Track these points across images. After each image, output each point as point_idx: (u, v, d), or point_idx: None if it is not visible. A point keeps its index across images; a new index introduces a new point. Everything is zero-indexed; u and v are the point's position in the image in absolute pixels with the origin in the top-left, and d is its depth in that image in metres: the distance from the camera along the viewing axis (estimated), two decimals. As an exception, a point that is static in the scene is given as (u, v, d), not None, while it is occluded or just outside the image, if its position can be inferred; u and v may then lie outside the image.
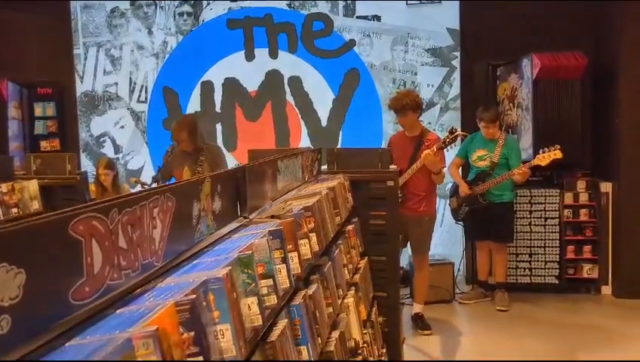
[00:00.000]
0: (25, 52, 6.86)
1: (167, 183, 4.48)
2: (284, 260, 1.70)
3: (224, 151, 5.80)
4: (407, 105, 4.65)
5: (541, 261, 5.74)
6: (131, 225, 1.15)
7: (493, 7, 6.12)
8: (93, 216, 1.01)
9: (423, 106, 4.95)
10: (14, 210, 3.55)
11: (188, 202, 1.48)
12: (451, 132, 4.64)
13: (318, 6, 6.49)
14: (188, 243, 1.48)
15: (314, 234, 2.19)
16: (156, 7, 6.75)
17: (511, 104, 6.08)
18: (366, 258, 3.34)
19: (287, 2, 6.54)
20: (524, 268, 5.77)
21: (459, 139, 4.76)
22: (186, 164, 4.80)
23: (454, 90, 6.32)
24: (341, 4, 6.45)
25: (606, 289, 5.64)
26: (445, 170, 4.88)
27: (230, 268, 1.29)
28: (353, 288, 2.74)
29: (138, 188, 5.53)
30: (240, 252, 1.42)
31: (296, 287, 1.85)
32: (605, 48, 5.85)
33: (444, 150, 4.69)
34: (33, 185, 3.77)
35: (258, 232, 1.68)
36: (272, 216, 2.06)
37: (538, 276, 5.75)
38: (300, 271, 1.88)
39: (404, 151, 4.70)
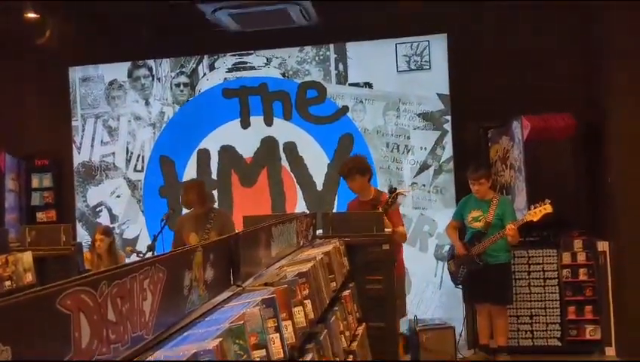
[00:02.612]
0: (23, 124, 6.99)
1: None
2: (278, 329, 1.68)
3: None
4: (354, 168, 4.65)
5: (542, 322, 5.65)
6: (121, 297, 1.15)
7: (481, 72, 6.29)
8: (82, 289, 1.01)
9: (371, 171, 4.82)
10: (8, 282, 3.52)
11: (179, 272, 1.48)
12: (390, 191, 4.60)
13: (312, 74, 6.66)
14: (179, 315, 1.46)
15: (309, 301, 2.17)
16: (153, 79, 6.92)
17: (503, 165, 6.15)
18: (364, 324, 3.29)
19: (281, 72, 6.72)
20: (526, 331, 5.67)
21: (400, 197, 4.71)
22: (193, 229, 4.80)
23: (447, 152, 6.40)
24: (333, 72, 6.63)
25: (610, 351, 5.52)
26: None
27: (221, 339, 1.27)
28: (351, 356, 2.69)
29: (134, 257, 5.51)
30: (231, 322, 1.41)
31: (290, 357, 1.82)
32: (593, 110, 5.97)
33: (399, 208, 4.65)
34: (27, 257, 3.74)
35: (251, 301, 1.67)
36: (266, 284, 2.05)
37: (540, 338, 5.64)
38: (294, 339, 1.85)
39: None
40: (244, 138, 6.75)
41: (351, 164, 4.71)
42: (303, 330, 2.01)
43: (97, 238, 5.35)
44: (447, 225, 5.62)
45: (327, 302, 2.56)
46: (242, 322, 1.43)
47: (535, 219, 5.02)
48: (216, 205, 6.51)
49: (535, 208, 5.04)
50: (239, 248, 1.97)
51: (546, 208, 4.99)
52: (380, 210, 4.42)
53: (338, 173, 4.85)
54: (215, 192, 6.73)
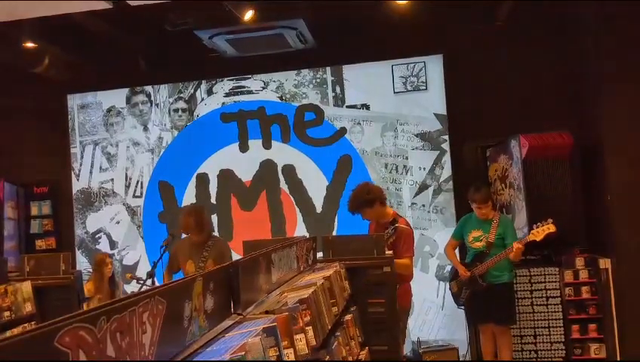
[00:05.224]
0: (22, 152, 7.00)
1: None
2: (280, 358, 1.66)
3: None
4: (360, 205, 4.63)
5: (546, 342, 5.60)
6: (120, 332, 1.13)
7: (477, 91, 6.32)
8: (81, 326, 1.00)
9: (380, 195, 4.68)
10: (7, 313, 3.49)
11: (179, 303, 1.46)
12: (391, 223, 4.54)
13: (309, 97, 6.69)
14: (179, 346, 1.45)
15: (310, 327, 2.15)
16: (151, 105, 6.95)
17: (503, 184, 6.14)
18: (366, 348, 3.26)
19: (279, 95, 6.75)
20: (530, 350, 5.62)
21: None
22: (190, 256, 4.76)
23: (446, 172, 6.41)
24: (331, 94, 6.66)
25: (616, 369, 5.47)
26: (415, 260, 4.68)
27: (222, 371, 1.26)
28: (354, 382, 2.66)
29: (133, 283, 5.48)
30: (232, 353, 1.39)
31: (293, 386, 1.79)
32: (591, 127, 5.98)
33: (407, 239, 4.54)
34: (26, 287, 3.71)
35: (252, 330, 1.65)
36: (267, 311, 2.03)
37: (545, 358, 5.59)
38: (296, 368, 1.83)
39: None
40: (242, 162, 6.76)
41: (355, 201, 4.64)
42: (305, 358, 1.98)
43: (107, 261, 5.37)
44: (446, 244, 5.57)
45: (329, 327, 2.53)
46: (244, 353, 1.41)
47: (538, 239, 5.00)
48: (215, 231, 6.50)
49: (538, 227, 5.02)
50: (239, 276, 1.95)
51: (549, 228, 4.97)
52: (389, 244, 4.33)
53: (349, 211, 4.75)
54: (214, 216, 6.72)
